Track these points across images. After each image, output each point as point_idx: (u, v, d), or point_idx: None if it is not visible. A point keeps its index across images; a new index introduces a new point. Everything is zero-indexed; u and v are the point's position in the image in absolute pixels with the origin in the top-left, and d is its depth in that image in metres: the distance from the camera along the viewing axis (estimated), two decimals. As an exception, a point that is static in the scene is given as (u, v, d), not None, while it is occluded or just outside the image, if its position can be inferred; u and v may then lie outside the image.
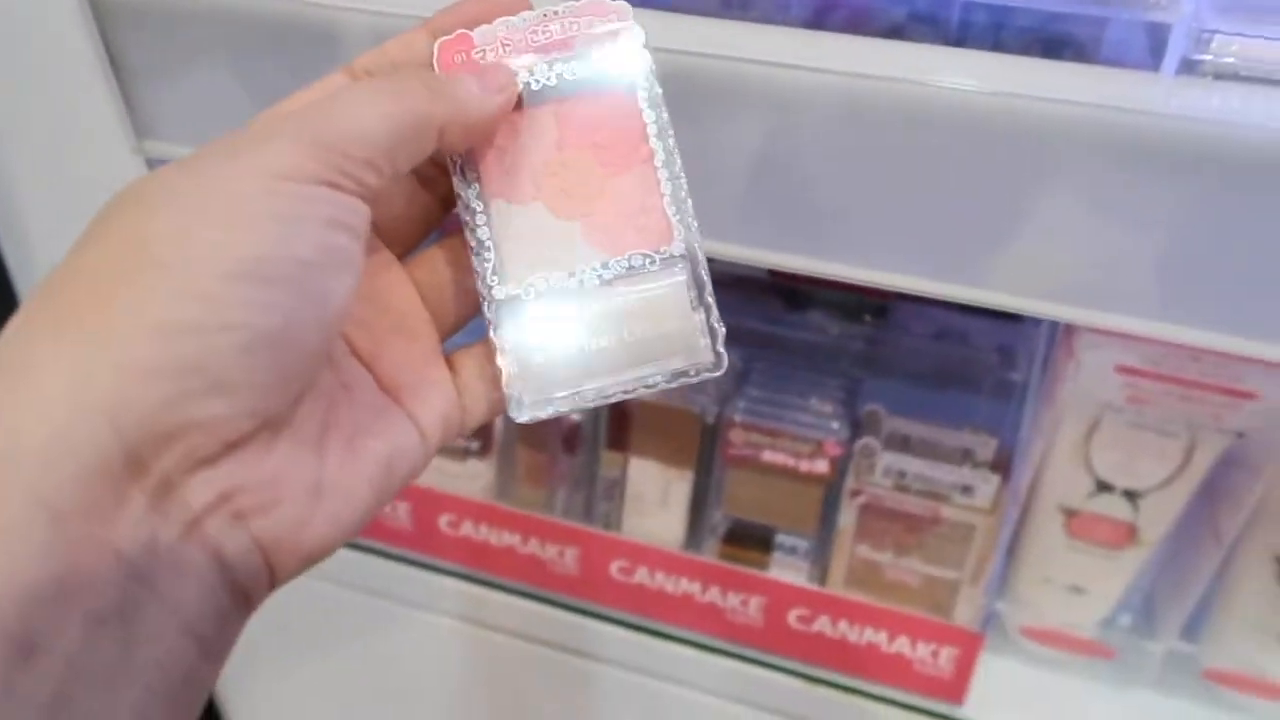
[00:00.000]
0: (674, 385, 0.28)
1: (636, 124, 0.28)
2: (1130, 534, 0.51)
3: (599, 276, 0.28)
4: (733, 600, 0.57)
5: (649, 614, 0.59)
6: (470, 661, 0.66)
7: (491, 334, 0.29)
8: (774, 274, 0.62)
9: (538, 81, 0.28)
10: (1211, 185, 0.34)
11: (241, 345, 0.21)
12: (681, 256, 0.28)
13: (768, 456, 0.54)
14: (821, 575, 0.57)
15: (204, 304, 0.21)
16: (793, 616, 0.56)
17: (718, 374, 0.28)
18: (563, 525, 0.58)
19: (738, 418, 0.55)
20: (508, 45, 0.28)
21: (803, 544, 0.56)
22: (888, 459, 0.53)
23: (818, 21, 0.51)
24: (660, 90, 0.29)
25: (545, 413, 0.28)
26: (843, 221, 0.40)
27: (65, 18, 0.44)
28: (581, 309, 0.28)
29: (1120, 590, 0.54)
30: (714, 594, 0.57)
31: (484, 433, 0.60)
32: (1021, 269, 0.38)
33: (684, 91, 0.38)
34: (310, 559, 0.24)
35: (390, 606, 0.65)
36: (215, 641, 0.22)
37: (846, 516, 0.55)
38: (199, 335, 0.21)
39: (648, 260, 0.28)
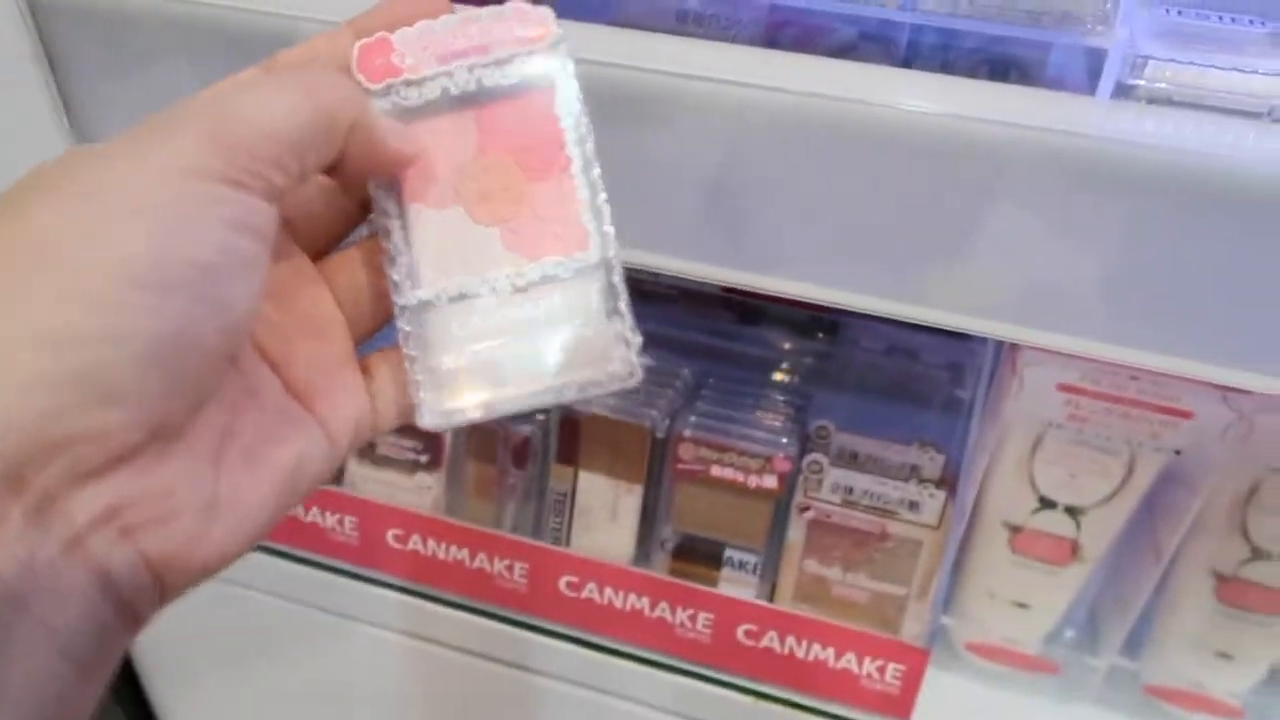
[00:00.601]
0: (587, 396, 0.28)
1: (556, 130, 0.28)
2: (1073, 550, 0.52)
3: (513, 284, 0.28)
4: (681, 616, 0.56)
5: (598, 629, 0.59)
6: (417, 677, 0.65)
7: (402, 339, 0.28)
8: (726, 288, 0.63)
9: (457, 86, 0.28)
10: (1145, 208, 0.34)
11: (133, 354, 0.20)
12: (597, 265, 0.28)
13: (716, 471, 0.54)
14: (771, 591, 0.57)
15: (94, 310, 0.20)
16: (741, 632, 0.56)
17: (631, 384, 0.28)
18: (511, 540, 0.58)
19: (687, 432, 0.54)
20: (427, 49, 0.28)
21: (752, 559, 0.56)
22: (835, 475, 0.53)
23: (770, 38, 0.51)
24: (581, 96, 0.28)
25: (453, 421, 0.28)
26: (791, 239, 0.40)
27: (1, 15, 0.43)
28: (494, 316, 0.28)
29: (1063, 606, 0.54)
30: (663, 609, 0.57)
31: (433, 446, 0.60)
32: (965, 288, 0.39)
33: (638, 107, 0.38)
34: (205, 573, 0.23)
35: (336, 621, 0.64)
36: (95, 662, 0.21)
37: (795, 532, 0.55)
38: (87, 343, 0.20)
39: (562, 268, 0.28)
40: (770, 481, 0.54)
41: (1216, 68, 0.34)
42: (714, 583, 0.57)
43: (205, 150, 0.22)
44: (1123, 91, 0.35)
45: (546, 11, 0.28)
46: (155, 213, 0.21)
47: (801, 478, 0.54)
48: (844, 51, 0.51)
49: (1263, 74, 0.33)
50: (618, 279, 0.28)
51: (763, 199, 0.40)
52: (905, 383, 0.61)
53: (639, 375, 0.28)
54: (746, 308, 0.62)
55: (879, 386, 0.62)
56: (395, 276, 0.28)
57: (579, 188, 0.28)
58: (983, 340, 0.57)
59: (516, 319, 0.28)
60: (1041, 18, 0.35)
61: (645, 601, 0.57)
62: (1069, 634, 0.57)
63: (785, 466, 0.53)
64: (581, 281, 0.28)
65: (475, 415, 0.28)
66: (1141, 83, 0.34)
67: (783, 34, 0.51)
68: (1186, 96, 0.34)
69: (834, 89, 0.37)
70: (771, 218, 0.40)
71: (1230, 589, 0.50)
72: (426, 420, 0.28)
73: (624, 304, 0.28)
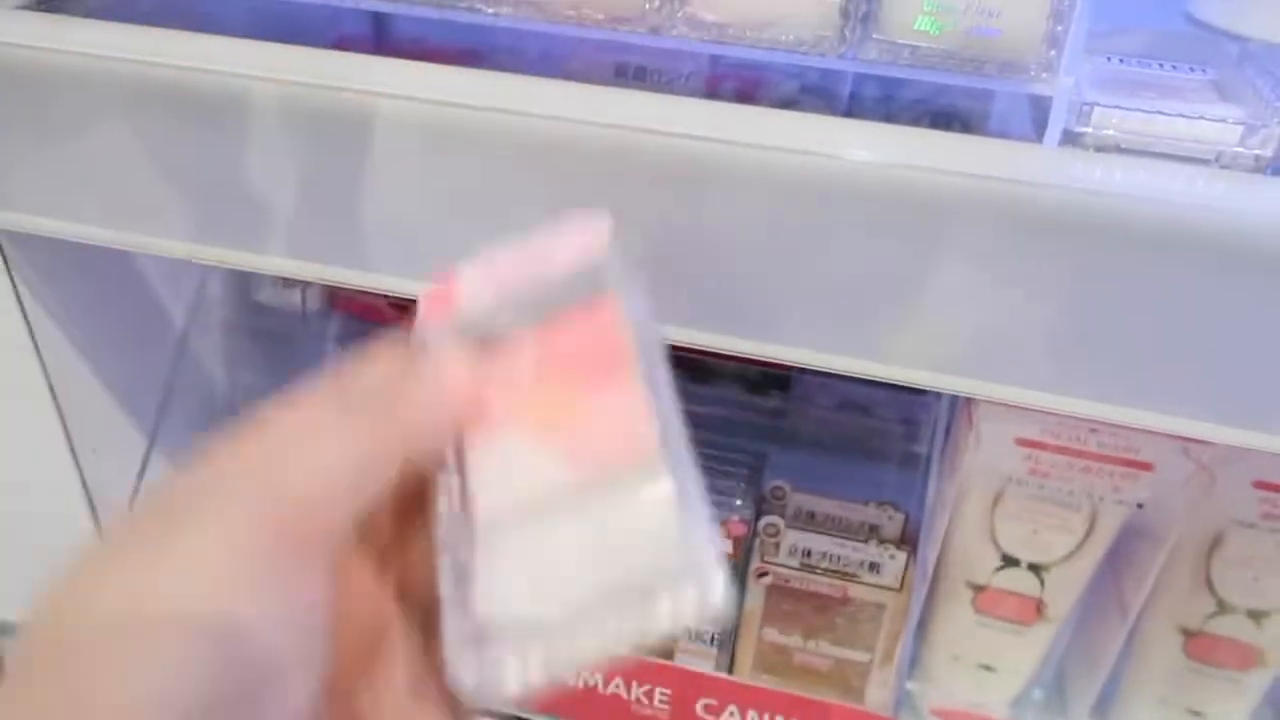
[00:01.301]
0: (668, 630, 0.23)
1: (620, 341, 0.26)
2: (1038, 609, 0.50)
3: (575, 506, 0.24)
4: (637, 691, 0.54)
5: (549, 710, 0.56)
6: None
7: (440, 575, 0.24)
8: (676, 347, 0.61)
9: (519, 308, 0.26)
10: (1096, 256, 0.33)
11: None
12: (668, 477, 0.24)
13: (670, 537, 0.52)
14: (730, 661, 0.55)
15: None
16: (700, 707, 0.53)
17: (715, 609, 0.22)
18: (455, 616, 0.55)
19: (638, 497, 0.52)
20: (489, 278, 0.27)
21: (710, 629, 0.54)
22: (793, 537, 0.51)
23: (711, 92, 0.50)
24: (645, 304, 0.27)
25: (500, 685, 0.22)
26: (739, 295, 0.39)
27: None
28: (553, 546, 0.24)
29: (1030, 667, 0.53)
30: (617, 686, 0.54)
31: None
32: (918, 342, 0.38)
33: (583, 162, 0.36)
34: None
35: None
36: None
37: (753, 598, 0.53)
38: None
39: (628, 486, 0.24)
40: (725, 546, 0.52)
41: (1163, 114, 0.33)
42: (670, 655, 0.54)
43: (256, 530, 0.19)
44: (1070, 139, 0.34)
45: (602, 220, 0.27)
46: (204, 628, 0.18)
47: (758, 541, 0.52)
48: (786, 105, 0.50)
49: (1209, 120, 0.33)
50: (693, 487, 0.24)
51: (710, 255, 0.38)
52: (860, 439, 0.60)
53: (720, 597, 0.22)
54: (698, 366, 0.61)
55: (834, 443, 0.60)
56: (439, 504, 0.25)
57: (646, 399, 0.25)
58: (937, 395, 0.56)
59: (580, 547, 0.24)
60: (984, 65, 0.34)
61: (599, 678, 0.54)
62: (1037, 695, 0.56)
63: (740, 530, 0.51)
64: (651, 499, 0.24)
65: (528, 678, 0.22)
66: (1089, 130, 0.34)
67: (724, 88, 0.51)
68: (1133, 144, 0.34)
69: (778, 140, 0.36)
70: (717, 273, 0.39)
71: (1198, 644, 0.49)
72: (466, 682, 0.22)
73: (703, 517, 0.23)
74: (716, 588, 0.22)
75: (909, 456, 0.59)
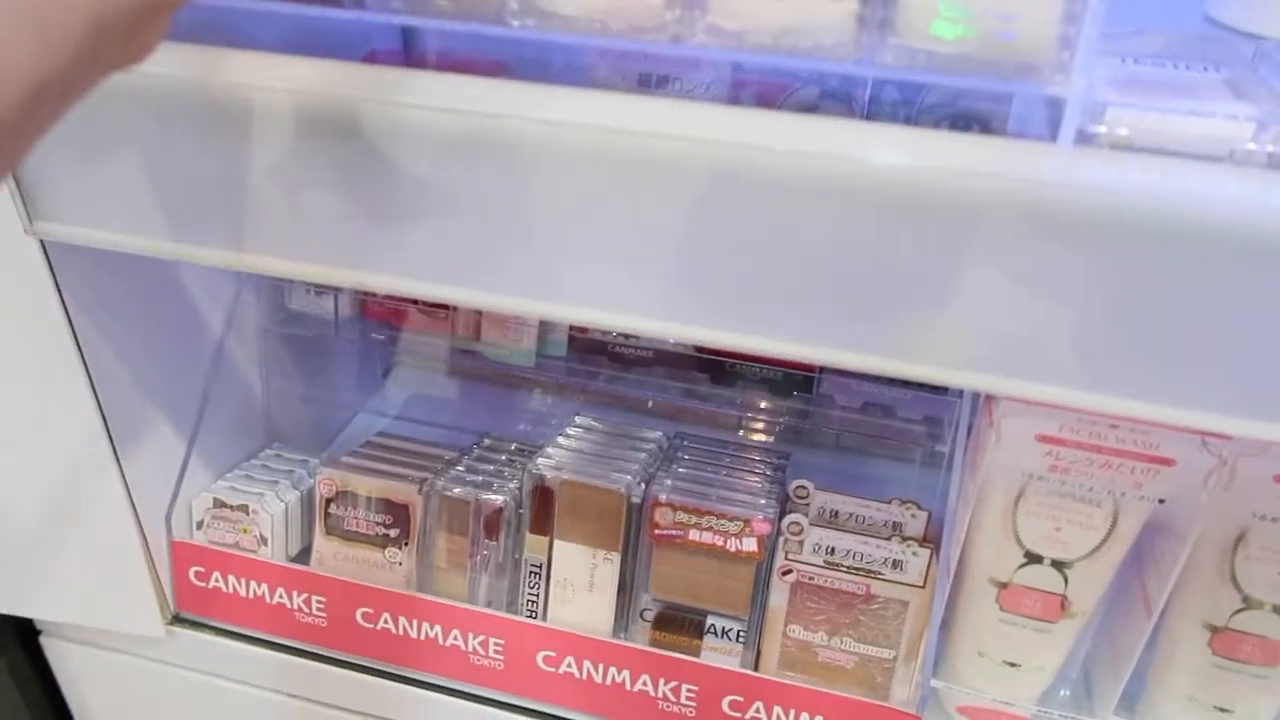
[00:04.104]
0: None
1: None
2: (1062, 605, 0.50)
3: None
4: (664, 688, 0.54)
5: (579, 706, 0.57)
6: (390, 764, 0.62)
7: None
8: (700, 349, 0.62)
9: None
10: (1113, 254, 0.34)
11: None
12: None
13: (695, 536, 0.53)
14: (756, 659, 0.55)
15: None
16: (726, 703, 0.54)
17: None
18: (485, 615, 0.56)
19: (663, 496, 0.53)
20: None
21: (735, 626, 0.55)
22: (816, 535, 0.52)
23: (732, 99, 0.51)
24: None
25: None
26: (766, 296, 0.39)
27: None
28: None
29: (1056, 664, 0.53)
30: (644, 682, 0.55)
31: (403, 518, 0.58)
32: (940, 340, 0.38)
33: (611, 169, 0.37)
34: None
35: (305, 706, 0.62)
36: None
37: (777, 596, 0.53)
38: None
39: None
40: (750, 544, 0.52)
41: (1175, 112, 0.34)
42: (696, 652, 0.55)
43: None
44: (1084, 139, 0.35)
45: None
46: None
47: (782, 539, 0.52)
48: (806, 111, 0.51)
49: (1221, 117, 0.34)
50: None
51: (733, 255, 0.39)
52: (883, 439, 0.61)
53: None
54: (720, 368, 0.62)
55: (857, 444, 0.61)
56: None
57: None
58: (959, 394, 0.57)
59: None
60: (1001, 68, 0.35)
61: (626, 675, 0.55)
62: (1063, 692, 0.56)
63: (764, 528, 0.52)
64: None
65: None
66: (1103, 129, 0.34)
67: (744, 94, 0.52)
68: (1147, 143, 0.34)
69: (800, 144, 0.37)
70: (744, 276, 0.39)
71: (1224, 641, 0.49)
72: None
73: None
74: None
75: (931, 456, 0.59)
